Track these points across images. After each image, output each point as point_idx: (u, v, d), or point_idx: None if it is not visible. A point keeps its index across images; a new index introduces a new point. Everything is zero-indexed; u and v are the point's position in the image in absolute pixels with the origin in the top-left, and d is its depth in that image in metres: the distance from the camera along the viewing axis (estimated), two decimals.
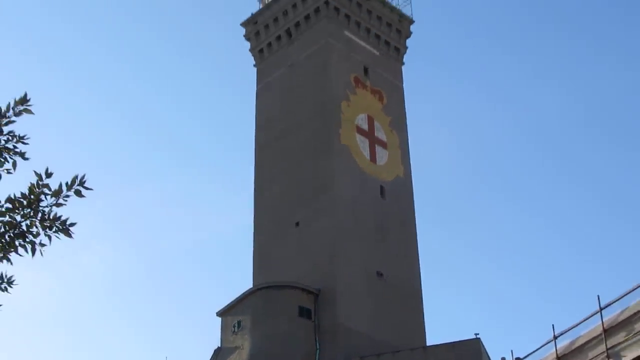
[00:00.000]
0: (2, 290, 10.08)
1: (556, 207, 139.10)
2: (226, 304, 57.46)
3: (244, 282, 63.38)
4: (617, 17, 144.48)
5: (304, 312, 55.30)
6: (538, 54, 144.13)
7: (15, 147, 10.33)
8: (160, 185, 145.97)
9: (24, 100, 10.23)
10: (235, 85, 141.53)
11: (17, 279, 10.18)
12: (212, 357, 56.55)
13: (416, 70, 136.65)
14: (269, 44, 69.08)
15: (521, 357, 33.30)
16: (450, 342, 53.77)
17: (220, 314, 57.59)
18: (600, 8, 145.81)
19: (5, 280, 10.09)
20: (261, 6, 71.21)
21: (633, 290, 28.93)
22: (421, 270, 62.07)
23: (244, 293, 56.93)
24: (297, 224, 60.20)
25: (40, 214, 10.15)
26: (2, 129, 10.27)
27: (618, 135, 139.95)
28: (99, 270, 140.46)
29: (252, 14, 70.79)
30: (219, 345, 56.79)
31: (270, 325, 54.62)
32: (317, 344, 54.32)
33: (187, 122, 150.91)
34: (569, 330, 31.16)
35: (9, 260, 10.03)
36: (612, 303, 29.60)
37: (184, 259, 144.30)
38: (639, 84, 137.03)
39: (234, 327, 56.22)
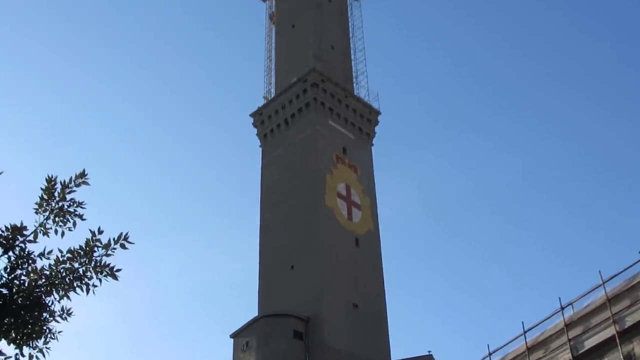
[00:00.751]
0: (63, 320, 10.06)
1: (490, 240, 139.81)
2: (237, 328, 56.87)
3: (251, 311, 61.83)
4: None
5: (298, 335, 54.83)
6: (487, 128, 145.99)
7: (75, 210, 10.32)
8: (187, 236, 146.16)
9: (82, 174, 10.31)
10: (245, 161, 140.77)
11: (74, 311, 10.17)
12: None
13: (382, 150, 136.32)
14: (271, 130, 68.89)
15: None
16: (409, 358, 53.40)
17: (232, 336, 57.01)
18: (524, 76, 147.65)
19: (65, 312, 10.08)
20: (265, 102, 71.22)
21: (592, 290, 28.45)
22: (387, 302, 61.56)
23: (251, 320, 56.51)
24: (292, 267, 59.81)
25: (93, 262, 10.14)
26: (65, 197, 10.26)
27: (568, 199, 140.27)
28: (137, 304, 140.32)
29: (258, 108, 70.79)
30: None
31: (272, 345, 54.20)
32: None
33: (209, 190, 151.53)
34: (536, 326, 30.45)
35: (68, 297, 10.03)
36: (572, 302, 29.28)
37: (205, 293, 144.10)
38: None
39: (243, 346, 55.56)
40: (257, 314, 58.39)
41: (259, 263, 63.05)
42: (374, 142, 70.63)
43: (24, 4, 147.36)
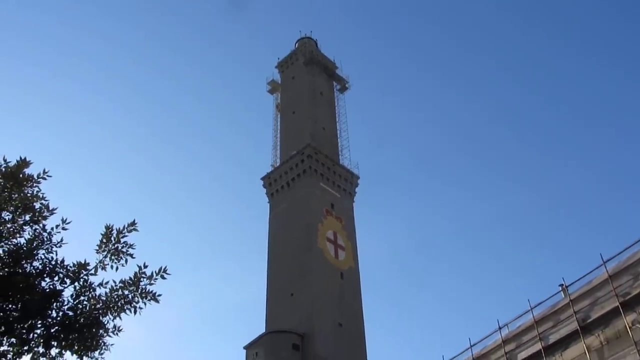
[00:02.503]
0: (115, 335, 10.06)
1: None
2: (249, 341, 56.22)
3: (260, 328, 60.95)
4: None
5: (296, 347, 54.15)
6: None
7: (127, 251, 10.33)
8: (210, 272, 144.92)
9: (133, 223, 10.37)
10: (256, 215, 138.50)
11: (123, 328, 10.20)
12: None
13: (361, 205, 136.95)
14: (277, 190, 68.65)
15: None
16: None
17: (245, 347, 56.25)
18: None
19: (117, 329, 10.06)
20: (272, 169, 71.03)
21: (555, 294, 26.40)
22: (364, 321, 60.78)
23: (260, 335, 55.95)
24: (292, 294, 59.16)
25: (140, 290, 10.11)
26: (120, 240, 10.26)
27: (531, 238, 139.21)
28: (173, 322, 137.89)
29: (267, 173, 70.53)
30: None
31: (276, 355, 53.48)
32: None
33: (229, 236, 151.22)
34: (509, 322, 27.84)
35: (120, 317, 10.06)
36: (540, 303, 26.65)
37: (224, 315, 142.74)
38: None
39: (253, 356, 54.73)
40: (264, 331, 57.76)
41: (266, 291, 62.32)
42: (355, 199, 70.35)
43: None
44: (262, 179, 70.46)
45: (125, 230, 10.27)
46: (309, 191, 65.53)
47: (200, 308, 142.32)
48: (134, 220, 10.31)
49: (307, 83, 76.85)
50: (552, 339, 25.34)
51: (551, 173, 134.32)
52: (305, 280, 59.09)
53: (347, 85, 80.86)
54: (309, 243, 61.42)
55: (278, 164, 71.06)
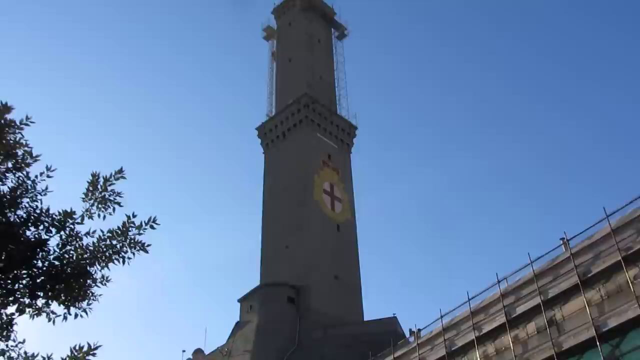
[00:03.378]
0: (103, 285, 10.03)
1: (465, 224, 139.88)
2: (244, 294, 56.62)
3: (254, 281, 61.21)
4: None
5: (291, 300, 54.56)
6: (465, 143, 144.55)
7: (115, 199, 10.16)
8: (206, 223, 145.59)
9: (120, 171, 10.15)
10: (251, 164, 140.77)
11: (112, 278, 10.16)
12: (234, 327, 55.49)
13: (359, 157, 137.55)
14: (272, 140, 68.49)
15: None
16: (377, 319, 53.27)
17: (240, 300, 56.71)
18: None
19: (105, 279, 10.03)
20: (268, 118, 70.62)
21: (556, 248, 26.27)
22: (360, 274, 61.19)
23: (254, 288, 56.31)
24: (287, 246, 59.35)
25: (128, 239, 10.02)
26: (107, 188, 10.08)
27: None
28: (162, 275, 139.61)
29: (262, 123, 70.25)
30: (239, 320, 55.84)
31: (270, 308, 53.95)
32: (299, 320, 53.50)
33: (224, 188, 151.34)
34: (510, 275, 28.34)
35: (108, 267, 10.00)
36: (540, 257, 26.68)
37: (221, 267, 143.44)
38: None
39: (248, 308, 55.28)
40: (259, 283, 58.14)
41: (262, 243, 62.50)
42: (352, 150, 70.26)
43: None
44: (257, 129, 70.14)
45: (113, 177, 10.06)
46: (305, 142, 65.25)
47: (193, 261, 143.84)
48: (121, 168, 10.12)
49: (305, 29, 75.54)
50: (552, 293, 25.56)
51: (553, 127, 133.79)
52: (300, 232, 59.29)
53: (345, 32, 79.62)
54: (304, 195, 61.41)
55: (273, 114, 70.51)
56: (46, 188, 9.79)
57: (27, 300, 9.51)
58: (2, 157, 9.60)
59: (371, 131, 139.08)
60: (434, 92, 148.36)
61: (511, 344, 26.48)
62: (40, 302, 9.60)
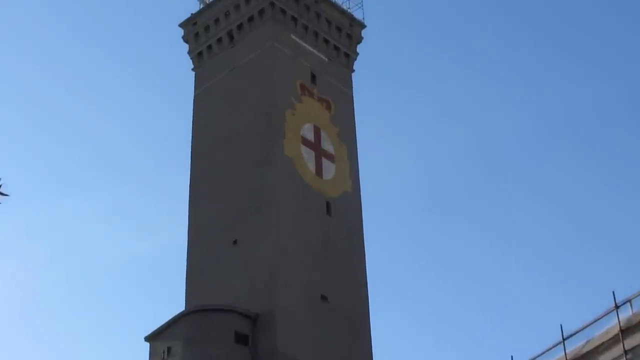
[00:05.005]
0: None
1: (517, 229, 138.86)
2: (155, 327, 56.06)
3: (175, 304, 61.29)
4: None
5: (241, 338, 54.43)
6: (498, 62, 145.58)
7: None
8: (86, 198, 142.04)
9: None
10: (170, 90, 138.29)
11: None
12: None
13: (367, 78, 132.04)
14: (209, 47, 68.27)
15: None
16: None
17: (148, 339, 56.28)
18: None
19: None
20: (201, 6, 70.32)
21: None
22: (369, 294, 61.06)
23: (175, 316, 55.66)
24: (235, 241, 58.90)
25: None
26: None
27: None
28: (16, 285, 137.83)
29: (191, 14, 70.02)
30: None
31: (204, 352, 53.65)
32: None
33: (115, 129, 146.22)
34: (580, 330, 30.62)
35: None
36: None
37: (109, 277, 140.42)
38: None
39: (163, 353, 54.98)
40: (183, 308, 57.71)
41: (188, 237, 62.27)
42: (355, 67, 70.06)
43: None
44: (182, 25, 70.25)
45: None
46: (269, 49, 64.74)
47: (72, 265, 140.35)
48: None
49: None
50: None
51: None
52: (259, 216, 58.66)
53: None
54: (268, 146, 60.81)
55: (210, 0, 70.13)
56: None
57: None
58: None
59: (391, 32, 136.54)
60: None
61: None
62: None
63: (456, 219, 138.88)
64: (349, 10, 70.69)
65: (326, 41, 68.27)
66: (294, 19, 66.84)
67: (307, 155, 62.45)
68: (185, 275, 61.14)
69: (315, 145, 63.39)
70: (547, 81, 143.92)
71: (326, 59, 67.87)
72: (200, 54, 68.58)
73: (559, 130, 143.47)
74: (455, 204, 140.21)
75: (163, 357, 54.99)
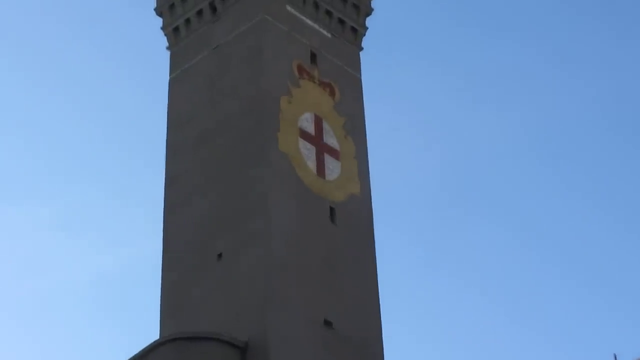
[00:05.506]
0: None
1: (557, 236, 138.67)
2: (127, 358, 55.79)
3: (148, 331, 61.69)
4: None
5: None
6: (538, 37, 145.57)
7: None
8: (43, 204, 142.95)
9: None
10: (142, 72, 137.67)
11: None
12: None
13: (378, 57, 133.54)
14: (187, 21, 68.20)
15: None
16: None
17: None
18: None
19: None
20: None
21: None
22: (382, 317, 61.19)
23: (148, 346, 54.97)
24: (220, 255, 58.70)
25: None
26: None
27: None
28: None
29: None
30: None
31: None
32: None
33: (74, 120, 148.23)
34: None
35: None
36: None
37: (69, 299, 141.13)
38: None
39: None
40: (158, 336, 57.74)
41: (163, 250, 62.36)
42: (363, 44, 70.69)
43: None
44: None
45: None
46: (260, 23, 65.02)
47: (27, 285, 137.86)
48: None
49: None
50: None
51: None
52: (250, 224, 58.41)
53: None
54: (259, 141, 60.74)
55: None
56: None
57: None
58: None
59: (406, 0, 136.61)
60: None
61: None
62: None
63: (489, 228, 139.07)
64: None
65: (329, 13, 68.54)
66: None
67: (307, 152, 62.50)
68: (160, 296, 61.21)
69: (316, 139, 63.46)
70: (595, 57, 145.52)
71: (329, 35, 68.12)
72: (176, 29, 68.64)
73: (615, 116, 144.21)
74: (488, 210, 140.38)
75: None
